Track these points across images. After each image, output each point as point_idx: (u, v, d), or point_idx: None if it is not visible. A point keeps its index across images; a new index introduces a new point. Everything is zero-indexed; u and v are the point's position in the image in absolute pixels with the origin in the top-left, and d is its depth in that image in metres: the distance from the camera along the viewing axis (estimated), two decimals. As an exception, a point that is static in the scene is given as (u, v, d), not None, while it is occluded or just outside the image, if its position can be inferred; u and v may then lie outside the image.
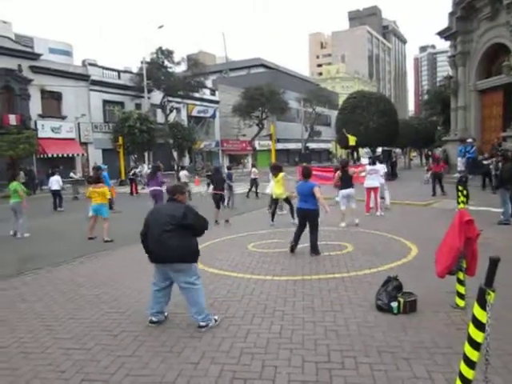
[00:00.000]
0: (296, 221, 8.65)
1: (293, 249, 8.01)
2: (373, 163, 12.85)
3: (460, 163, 20.76)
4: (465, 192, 5.45)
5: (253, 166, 20.43)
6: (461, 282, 4.85)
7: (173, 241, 4.51)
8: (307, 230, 8.02)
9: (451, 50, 25.53)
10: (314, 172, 16.84)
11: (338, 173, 10.90)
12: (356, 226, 10.43)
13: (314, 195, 7.79)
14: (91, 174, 17.67)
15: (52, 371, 3.83)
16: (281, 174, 11.29)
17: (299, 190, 8.09)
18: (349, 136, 26.12)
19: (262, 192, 18.29)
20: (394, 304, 4.80)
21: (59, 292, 6.20)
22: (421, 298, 5.00)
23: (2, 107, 27.30)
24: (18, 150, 24.59)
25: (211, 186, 12.53)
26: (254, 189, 18.90)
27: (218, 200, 12.24)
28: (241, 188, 20.06)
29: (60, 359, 4.06)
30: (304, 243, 8.47)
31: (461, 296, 4.88)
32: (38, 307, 5.56)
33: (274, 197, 11.57)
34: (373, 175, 12.35)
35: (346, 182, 10.69)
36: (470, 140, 20.92)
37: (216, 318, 4.77)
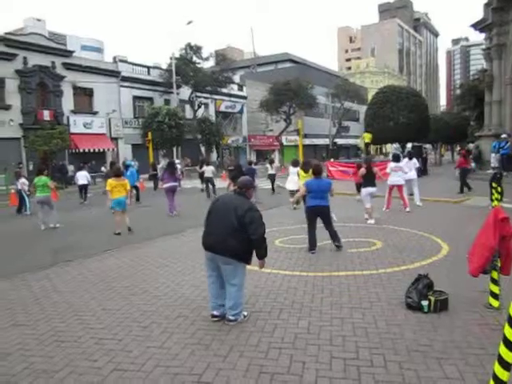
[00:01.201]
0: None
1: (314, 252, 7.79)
2: (397, 160, 12.68)
3: (494, 159, 20.18)
4: (499, 189, 5.31)
5: (271, 161, 20.13)
6: (495, 281, 4.71)
7: (228, 233, 4.48)
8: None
9: (486, 43, 24.78)
10: (340, 168, 16.76)
11: (363, 170, 10.83)
12: (373, 224, 10.33)
13: (329, 191, 7.90)
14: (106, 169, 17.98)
15: (85, 360, 3.94)
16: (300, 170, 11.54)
17: (314, 188, 7.89)
18: (364, 134, 27.04)
19: (278, 186, 18.37)
20: (425, 302, 4.70)
21: (90, 283, 6.36)
22: (452, 296, 4.89)
23: (37, 103, 28.09)
24: (51, 144, 25.29)
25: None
26: (272, 184, 18.94)
27: None
28: (264, 184, 20.06)
29: (92, 348, 4.17)
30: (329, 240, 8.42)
31: (495, 296, 4.75)
32: (70, 298, 5.73)
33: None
34: (398, 172, 12.21)
35: (369, 180, 10.64)
36: (504, 135, 20.29)
37: (245, 313, 4.78)
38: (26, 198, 14.97)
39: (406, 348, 3.94)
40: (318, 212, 7.87)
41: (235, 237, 4.47)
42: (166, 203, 13.53)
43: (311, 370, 3.60)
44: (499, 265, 4.63)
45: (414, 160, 13.63)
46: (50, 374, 3.71)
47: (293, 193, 13.05)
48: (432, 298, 4.72)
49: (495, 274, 4.69)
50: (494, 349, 2.87)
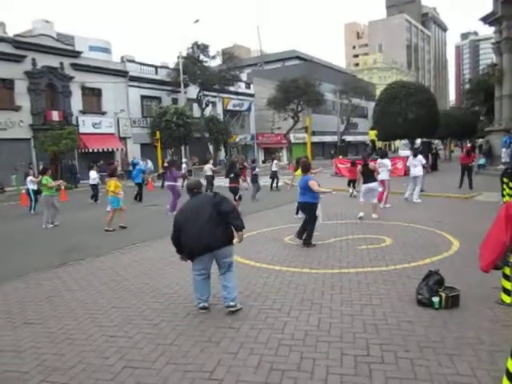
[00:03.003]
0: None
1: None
2: (381, 157, 12.92)
3: (504, 154, 20.00)
4: (510, 184, 5.25)
5: (272, 159, 20.36)
6: (507, 277, 4.67)
7: (219, 227, 4.79)
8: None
9: (496, 36, 24.49)
10: (349, 164, 16.85)
11: (359, 167, 11.09)
12: (376, 220, 10.41)
13: (310, 189, 7.93)
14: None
15: (96, 357, 3.97)
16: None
17: (299, 184, 8.34)
18: (370, 131, 29.18)
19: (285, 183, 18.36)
20: (436, 299, 4.67)
21: (101, 282, 6.41)
22: (463, 293, 4.85)
23: (46, 104, 28.31)
24: (60, 145, 25.48)
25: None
26: (274, 182, 19.10)
27: (235, 192, 13.18)
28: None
29: (103, 346, 4.20)
30: (342, 236, 8.43)
31: (507, 292, 4.70)
32: (81, 296, 5.77)
33: None
34: (381, 168, 12.38)
35: (367, 176, 10.72)
36: (515, 130, 20.09)
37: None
38: (33, 198, 15.02)
39: (417, 345, 3.91)
40: (301, 207, 8.29)
41: (221, 228, 4.80)
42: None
43: (322, 367, 3.59)
44: (511, 260, 4.58)
45: (420, 157, 13.59)
46: (63, 371, 3.75)
47: None
48: (443, 295, 4.68)
49: (507, 270, 4.64)
50: (507, 345, 2.85)
